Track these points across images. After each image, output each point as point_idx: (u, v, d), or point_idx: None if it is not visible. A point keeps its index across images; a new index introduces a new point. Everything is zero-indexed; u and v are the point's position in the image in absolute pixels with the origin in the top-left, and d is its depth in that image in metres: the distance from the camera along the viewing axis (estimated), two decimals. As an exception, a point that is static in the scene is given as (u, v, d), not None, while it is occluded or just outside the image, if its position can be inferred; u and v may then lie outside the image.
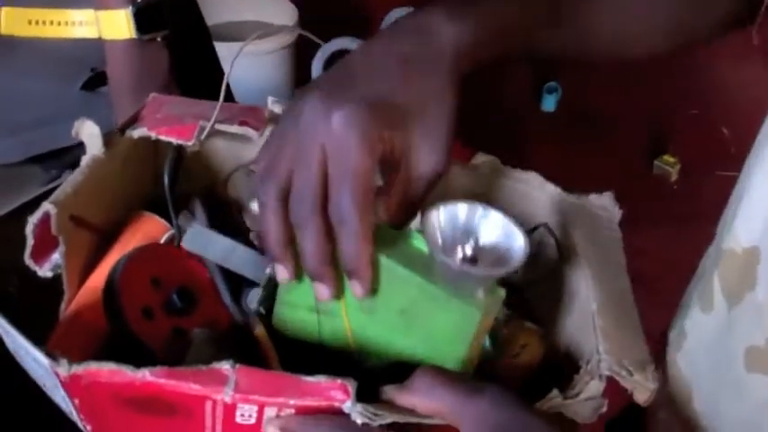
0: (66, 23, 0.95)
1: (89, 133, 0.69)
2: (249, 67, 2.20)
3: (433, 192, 0.59)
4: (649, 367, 0.60)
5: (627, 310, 0.66)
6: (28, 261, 0.64)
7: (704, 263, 0.72)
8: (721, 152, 2.21)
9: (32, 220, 0.62)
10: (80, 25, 0.95)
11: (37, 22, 0.96)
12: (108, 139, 0.70)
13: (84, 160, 0.68)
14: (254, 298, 0.63)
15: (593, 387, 0.59)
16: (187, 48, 1.02)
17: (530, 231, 0.74)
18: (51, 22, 0.95)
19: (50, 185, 0.77)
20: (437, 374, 0.55)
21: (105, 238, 0.71)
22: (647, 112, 2.47)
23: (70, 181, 0.66)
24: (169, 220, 0.72)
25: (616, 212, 0.78)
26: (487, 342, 0.64)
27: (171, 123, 0.71)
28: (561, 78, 2.52)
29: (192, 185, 0.76)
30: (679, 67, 2.37)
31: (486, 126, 2.29)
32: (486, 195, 0.78)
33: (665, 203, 2.08)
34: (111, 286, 0.63)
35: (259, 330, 0.64)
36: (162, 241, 0.71)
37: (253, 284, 0.65)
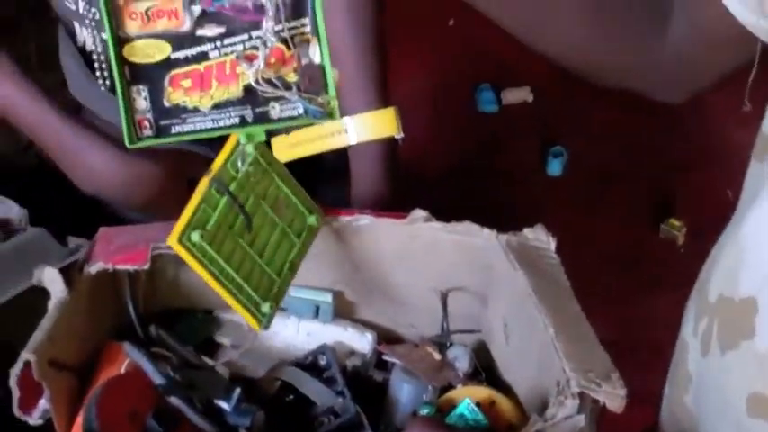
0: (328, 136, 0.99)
1: (50, 279, 0.72)
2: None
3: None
4: (614, 375, 0.66)
5: (582, 330, 0.72)
6: (17, 413, 0.66)
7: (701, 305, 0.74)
8: (727, 216, 2.26)
9: (14, 371, 0.65)
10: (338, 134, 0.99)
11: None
12: (69, 280, 0.73)
13: (51, 305, 0.72)
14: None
15: (569, 406, 0.64)
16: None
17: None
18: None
19: (67, 261, 0.80)
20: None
21: (83, 376, 0.74)
22: (654, 175, 2.47)
23: (42, 328, 0.69)
24: (139, 340, 0.75)
25: (551, 241, 0.83)
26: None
27: (124, 252, 0.75)
28: (567, 142, 2.52)
29: (155, 302, 0.80)
30: (685, 129, 2.39)
31: (491, 192, 2.33)
32: (422, 248, 0.83)
33: (673, 267, 2.11)
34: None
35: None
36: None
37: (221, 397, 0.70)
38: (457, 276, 0.84)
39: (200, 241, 0.64)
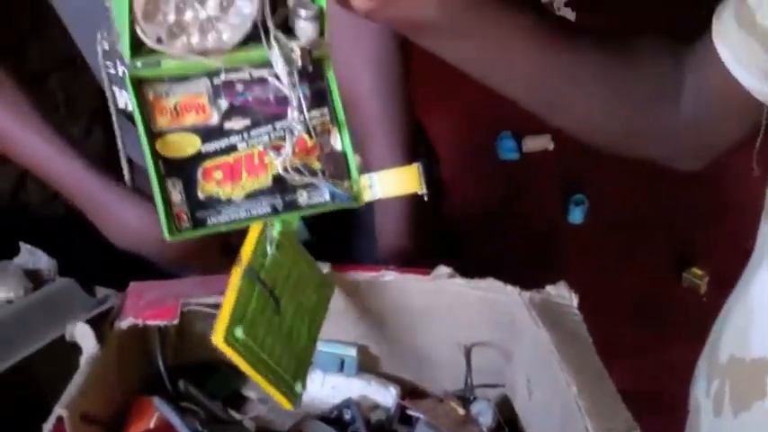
0: None
1: (82, 334, 0.74)
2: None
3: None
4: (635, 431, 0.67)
5: (604, 387, 0.73)
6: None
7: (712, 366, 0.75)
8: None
9: (47, 426, 0.67)
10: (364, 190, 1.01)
11: None
12: (100, 335, 0.74)
13: (83, 360, 0.73)
14: None
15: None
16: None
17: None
18: None
19: (95, 311, 0.82)
20: None
21: (113, 429, 0.76)
22: (676, 223, 2.47)
23: (74, 383, 0.71)
24: (167, 394, 0.77)
25: (573, 298, 0.84)
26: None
27: (154, 308, 0.77)
28: (588, 190, 2.54)
29: (183, 355, 0.81)
30: (708, 180, 2.40)
31: (511, 239, 2.35)
32: (446, 304, 0.84)
33: (695, 316, 2.10)
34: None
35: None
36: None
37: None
38: (480, 331, 0.85)
39: (243, 337, 0.64)
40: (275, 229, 0.66)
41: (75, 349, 0.76)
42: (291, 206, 0.59)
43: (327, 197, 0.60)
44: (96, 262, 1.14)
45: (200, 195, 0.57)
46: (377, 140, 1.00)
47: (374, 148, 0.98)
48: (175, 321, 0.76)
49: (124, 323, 0.76)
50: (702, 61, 0.68)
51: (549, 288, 0.84)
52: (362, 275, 0.83)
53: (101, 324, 0.77)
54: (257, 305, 0.67)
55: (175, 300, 0.77)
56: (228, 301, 0.64)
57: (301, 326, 0.73)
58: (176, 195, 0.56)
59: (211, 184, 0.56)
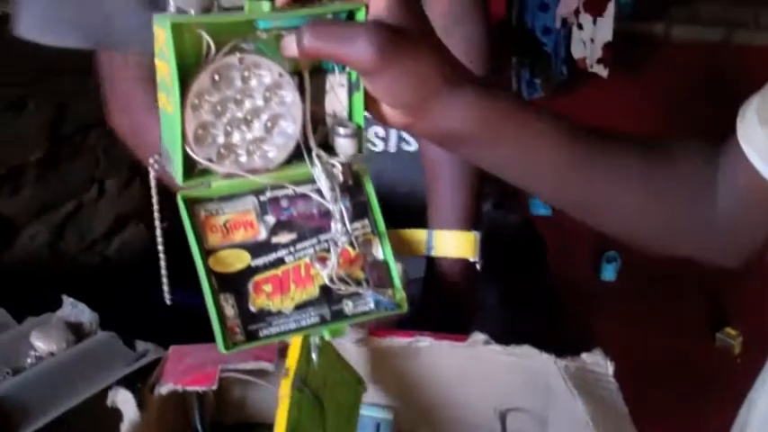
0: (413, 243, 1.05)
1: (123, 401, 0.75)
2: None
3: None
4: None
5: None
6: None
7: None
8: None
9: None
10: (420, 244, 1.04)
11: None
12: (141, 401, 0.76)
13: (124, 427, 0.75)
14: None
15: None
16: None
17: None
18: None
19: (136, 365, 0.84)
20: None
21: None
22: (709, 283, 2.45)
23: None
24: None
25: (608, 366, 0.84)
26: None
27: (193, 373, 0.79)
28: (621, 247, 2.52)
29: (222, 419, 0.82)
30: None
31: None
32: (481, 369, 0.85)
33: (729, 377, 2.09)
34: None
35: None
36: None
37: None
38: (516, 397, 0.86)
39: None
40: (317, 338, 0.67)
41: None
42: (338, 315, 0.60)
43: (372, 305, 0.61)
44: (133, 309, 1.15)
45: (252, 308, 0.58)
46: (445, 201, 1.05)
47: (441, 208, 1.03)
48: (214, 387, 0.78)
49: (164, 389, 0.78)
50: (731, 161, 0.68)
51: (585, 356, 0.85)
52: (398, 341, 0.84)
53: (141, 386, 0.78)
54: (306, 410, 0.68)
55: (214, 365, 0.78)
56: (282, 413, 0.65)
57: (343, 423, 0.75)
58: (229, 310, 0.57)
59: (262, 297, 0.58)
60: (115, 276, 2.02)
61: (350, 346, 0.84)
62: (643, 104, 3.03)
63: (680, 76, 3.01)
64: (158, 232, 0.61)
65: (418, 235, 1.04)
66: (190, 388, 0.78)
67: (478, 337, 0.84)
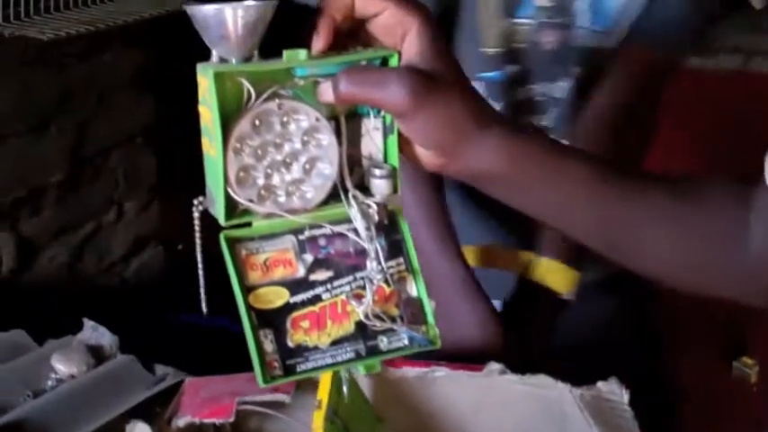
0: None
1: (141, 434, 0.77)
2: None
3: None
4: None
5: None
6: None
7: None
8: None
9: None
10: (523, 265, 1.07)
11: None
12: (158, 432, 0.77)
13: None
14: None
15: None
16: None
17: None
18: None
19: (155, 389, 0.85)
20: None
21: None
22: (726, 311, 2.43)
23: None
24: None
25: (624, 394, 0.85)
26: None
27: (210, 406, 0.80)
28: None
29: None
30: None
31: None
32: (497, 399, 0.86)
33: (746, 406, 2.12)
34: None
35: None
36: None
37: None
38: (532, 427, 0.86)
39: None
40: (347, 372, 0.69)
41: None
42: (373, 351, 0.62)
43: (406, 341, 0.62)
44: (150, 330, 1.16)
45: (290, 344, 0.59)
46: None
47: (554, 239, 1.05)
48: (231, 419, 0.79)
49: (181, 421, 0.79)
50: (762, 202, 0.69)
51: (600, 384, 0.85)
52: (413, 371, 0.85)
53: (159, 410, 0.79)
54: None
55: (231, 397, 0.79)
56: None
57: None
58: (268, 345, 0.59)
59: (299, 333, 0.59)
60: (133, 298, 2.04)
61: (363, 377, 0.84)
62: (661, 132, 3.03)
63: (697, 104, 3.01)
64: (200, 267, 0.62)
65: (523, 256, 1.07)
66: (207, 420, 0.79)
67: (494, 366, 0.85)
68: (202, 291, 0.62)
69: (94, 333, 1.06)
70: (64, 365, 0.99)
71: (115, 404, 0.92)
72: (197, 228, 0.60)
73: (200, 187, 0.60)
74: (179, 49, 1.72)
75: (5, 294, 1.73)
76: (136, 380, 0.99)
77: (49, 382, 0.97)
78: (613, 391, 0.85)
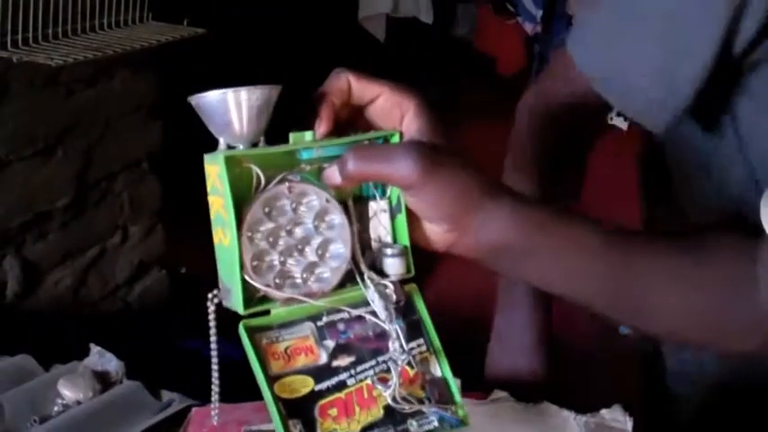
0: None
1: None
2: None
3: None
4: None
5: None
6: None
7: None
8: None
9: None
10: None
11: None
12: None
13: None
14: None
15: None
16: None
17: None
18: None
19: (161, 415, 0.85)
20: None
21: None
22: None
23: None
24: None
25: (627, 422, 0.85)
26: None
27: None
28: None
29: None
30: None
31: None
32: (502, 426, 0.86)
33: None
34: None
35: None
36: None
37: None
38: (536, 454, 0.87)
39: None
40: None
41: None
42: None
43: (436, 423, 0.61)
44: (153, 355, 1.16)
45: None
46: None
47: None
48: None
49: (188, 450, 0.80)
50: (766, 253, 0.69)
51: (604, 412, 0.86)
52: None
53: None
54: None
55: (237, 426, 0.80)
56: None
57: None
58: None
59: (328, 421, 0.59)
60: (136, 322, 2.04)
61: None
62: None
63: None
64: (214, 361, 0.61)
65: None
66: (213, 448, 0.79)
67: (499, 394, 0.85)
68: (215, 386, 0.62)
69: (101, 359, 1.07)
70: (70, 391, 1.00)
71: (121, 430, 0.93)
72: (212, 323, 0.59)
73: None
74: (186, 75, 1.74)
75: (10, 318, 1.74)
76: (142, 406, 1.00)
77: (56, 408, 0.98)
78: (616, 419, 0.85)
